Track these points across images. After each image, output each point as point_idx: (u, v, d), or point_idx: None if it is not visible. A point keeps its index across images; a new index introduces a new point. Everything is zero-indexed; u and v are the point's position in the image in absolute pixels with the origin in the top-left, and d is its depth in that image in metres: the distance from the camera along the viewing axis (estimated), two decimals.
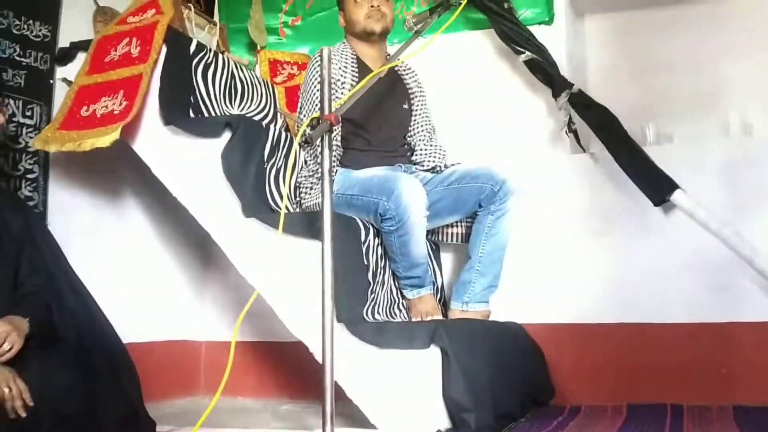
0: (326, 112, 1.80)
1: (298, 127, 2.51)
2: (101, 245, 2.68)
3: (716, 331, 2.45)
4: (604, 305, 2.61)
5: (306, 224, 2.13)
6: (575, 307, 2.64)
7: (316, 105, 2.28)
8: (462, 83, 3.01)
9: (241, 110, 2.74)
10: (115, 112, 2.30)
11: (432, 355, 1.96)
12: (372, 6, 2.53)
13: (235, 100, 2.73)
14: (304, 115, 2.46)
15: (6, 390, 1.56)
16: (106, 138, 2.23)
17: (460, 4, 2.39)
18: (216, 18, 3.54)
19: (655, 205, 2.52)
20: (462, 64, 3.03)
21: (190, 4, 3.04)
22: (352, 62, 2.53)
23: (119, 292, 2.58)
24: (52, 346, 1.76)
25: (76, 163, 2.60)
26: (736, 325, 2.42)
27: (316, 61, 2.42)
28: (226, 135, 2.30)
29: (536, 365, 2.56)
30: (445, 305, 2.68)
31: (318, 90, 2.31)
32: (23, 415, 1.56)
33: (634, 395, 2.45)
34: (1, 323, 1.65)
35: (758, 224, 2.45)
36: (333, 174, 2.37)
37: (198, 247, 3.10)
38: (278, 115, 2.99)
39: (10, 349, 1.64)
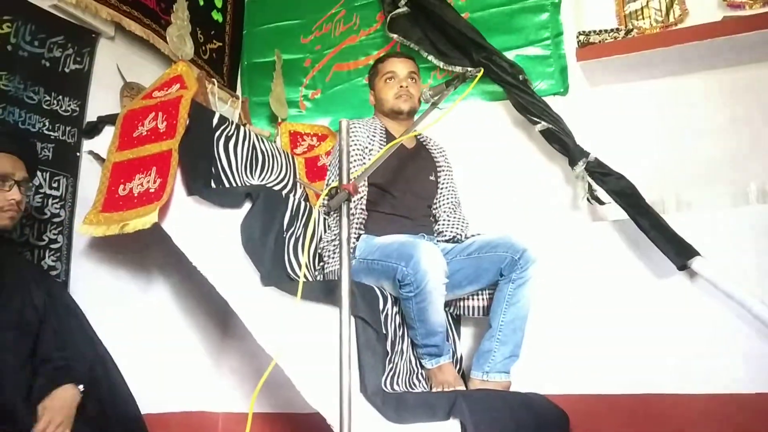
0: (344, 181, 1.84)
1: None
2: (122, 314, 2.70)
3: (747, 402, 2.37)
4: (629, 375, 2.55)
5: (325, 292, 2.13)
6: (599, 378, 2.58)
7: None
8: (479, 152, 3.05)
9: (262, 180, 2.79)
10: (151, 191, 2.35)
11: (452, 428, 1.91)
12: (401, 86, 2.63)
13: (255, 170, 2.78)
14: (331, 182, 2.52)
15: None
16: (145, 219, 2.28)
17: (476, 76, 2.45)
18: (239, 92, 3.64)
19: (679, 269, 2.48)
20: (479, 133, 3.08)
21: (214, 79, 3.14)
22: (381, 133, 2.61)
23: (138, 361, 2.57)
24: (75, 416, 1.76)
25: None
26: (764, 396, 2.35)
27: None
28: (247, 205, 2.34)
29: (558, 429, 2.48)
30: (463, 377, 2.64)
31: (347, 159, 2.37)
32: None
33: None
34: (58, 414, 1.65)
35: None
36: (353, 241, 2.42)
37: (217, 316, 3.09)
38: (298, 185, 3.03)
39: None
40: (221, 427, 3.10)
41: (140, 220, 2.29)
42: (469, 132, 3.07)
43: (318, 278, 2.54)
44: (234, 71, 3.70)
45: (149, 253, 2.87)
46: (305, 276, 2.40)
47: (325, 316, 2.08)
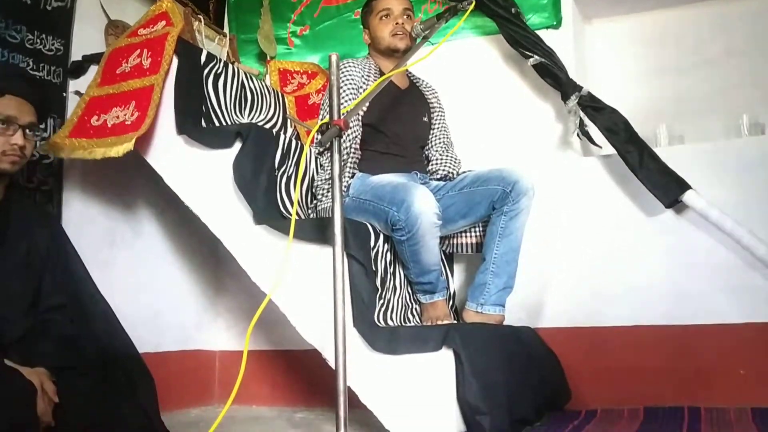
0: (335, 117, 1.82)
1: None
2: (115, 256, 2.70)
3: (733, 332, 2.43)
4: (618, 308, 2.59)
5: (317, 230, 2.13)
6: (589, 311, 2.63)
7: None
8: (471, 89, 3.02)
9: (251, 119, 2.76)
10: (126, 123, 2.32)
11: (445, 358, 1.95)
12: (397, 23, 2.59)
13: (245, 109, 2.75)
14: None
15: (39, 386, 1.60)
16: (118, 148, 2.25)
17: (467, 9, 2.40)
18: (226, 29, 3.57)
19: (666, 206, 2.51)
20: (470, 69, 3.05)
21: (200, 16, 3.07)
22: (375, 73, 2.58)
23: (133, 302, 2.60)
24: (73, 360, 1.78)
25: (89, 175, 2.62)
26: (752, 326, 2.40)
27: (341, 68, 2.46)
28: (237, 145, 2.32)
29: (551, 369, 2.54)
30: (456, 312, 2.68)
31: (342, 93, 2.35)
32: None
33: (651, 398, 2.43)
34: (46, 382, 1.66)
35: None
36: (347, 178, 2.42)
37: (210, 256, 3.11)
38: (288, 123, 3.01)
39: None
40: (218, 364, 3.17)
41: (112, 149, 2.26)
42: (461, 67, 3.04)
43: (311, 216, 2.55)
44: (220, 8, 3.61)
45: (142, 195, 2.87)
46: (297, 214, 2.40)
47: (318, 253, 2.10)
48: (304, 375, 2.93)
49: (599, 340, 2.60)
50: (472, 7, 2.37)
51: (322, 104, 2.57)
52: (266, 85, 2.99)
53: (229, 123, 2.61)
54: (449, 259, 2.79)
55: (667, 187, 2.49)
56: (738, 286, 2.45)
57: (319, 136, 1.83)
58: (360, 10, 2.82)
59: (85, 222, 2.61)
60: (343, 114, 1.88)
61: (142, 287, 2.80)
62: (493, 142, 2.92)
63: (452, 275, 2.81)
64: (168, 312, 2.93)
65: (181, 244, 3.03)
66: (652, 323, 2.54)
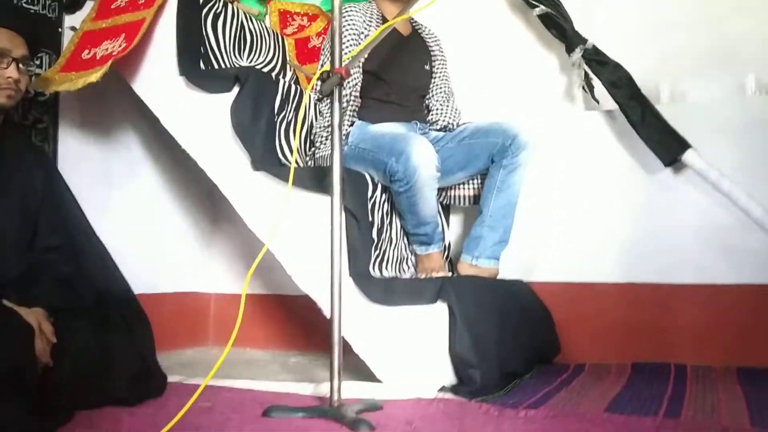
0: (337, 65, 1.79)
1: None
2: (111, 196, 2.70)
3: (723, 292, 2.45)
4: (613, 265, 2.61)
5: (315, 178, 2.12)
6: (584, 267, 2.64)
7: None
8: (474, 38, 2.97)
9: (250, 62, 2.72)
10: (114, 53, 2.28)
11: (438, 311, 1.97)
12: None
13: (244, 51, 2.70)
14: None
15: (37, 327, 1.61)
16: (97, 74, 2.20)
17: None
18: None
19: (665, 165, 2.50)
20: (474, 18, 2.99)
21: None
22: (377, 19, 2.52)
23: (128, 242, 2.60)
24: (70, 301, 1.78)
25: (86, 114, 2.59)
26: (743, 287, 2.42)
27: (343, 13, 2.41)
28: (236, 89, 2.29)
29: (542, 323, 2.57)
30: (451, 263, 2.69)
31: (344, 40, 2.30)
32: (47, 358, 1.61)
33: (639, 355, 2.46)
34: (44, 322, 1.66)
35: None
36: (346, 126, 2.40)
37: (207, 199, 3.11)
38: (287, 67, 2.96)
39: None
40: (213, 306, 3.20)
41: (91, 75, 2.22)
42: (464, 15, 2.98)
43: (309, 164, 2.53)
44: None
45: (139, 135, 2.84)
46: (296, 162, 2.38)
47: (316, 202, 2.09)
48: (298, 320, 2.96)
49: (591, 296, 2.62)
50: None
51: (323, 49, 2.53)
52: (266, 27, 2.93)
53: (228, 66, 2.56)
54: (446, 210, 2.79)
55: (667, 146, 2.47)
56: (731, 247, 2.46)
57: (320, 84, 1.80)
58: None
59: (82, 161, 2.59)
60: (344, 62, 1.85)
61: (138, 228, 2.80)
62: (495, 92, 2.88)
63: (448, 226, 2.82)
64: (164, 253, 2.95)
65: (178, 186, 3.02)
66: (644, 281, 2.55)
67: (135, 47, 2.25)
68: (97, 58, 2.31)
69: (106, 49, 2.32)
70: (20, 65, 1.85)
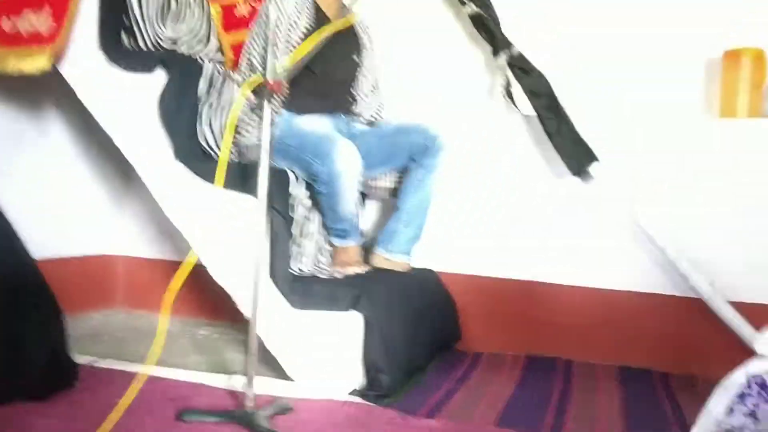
0: (269, 76, 1.78)
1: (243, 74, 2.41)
2: (19, 157, 2.60)
3: (613, 298, 2.64)
4: (516, 262, 2.75)
5: (238, 177, 2.13)
6: (489, 261, 2.78)
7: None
8: (402, 32, 2.93)
9: (175, 33, 2.62)
10: (43, 34, 2.16)
11: (353, 318, 2.06)
12: None
13: (167, 19, 2.60)
14: (249, 57, 2.40)
15: None
16: (33, 63, 2.12)
17: None
18: None
19: (573, 174, 2.62)
20: (404, 11, 2.95)
21: None
22: (309, 6, 2.47)
23: (36, 205, 2.54)
24: None
25: None
26: (631, 293, 2.61)
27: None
28: (158, 71, 2.23)
29: (446, 311, 2.71)
30: (365, 249, 2.77)
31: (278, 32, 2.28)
32: None
33: (532, 347, 2.66)
34: None
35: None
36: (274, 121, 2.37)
37: (119, 162, 3.01)
38: (211, 34, 2.87)
39: None
40: (122, 269, 3.17)
41: (26, 62, 2.15)
42: (395, 7, 2.93)
43: (232, 151, 2.50)
44: None
45: (49, 96, 2.72)
46: (216, 150, 2.36)
47: (237, 201, 2.11)
48: (207, 289, 2.96)
49: (494, 290, 2.76)
50: None
51: (251, 33, 2.46)
52: None
53: (151, 36, 2.47)
54: (362, 196, 2.84)
55: (577, 157, 2.59)
56: (624, 255, 2.63)
57: (252, 96, 1.80)
58: None
59: None
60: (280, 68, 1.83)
61: (46, 188, 2.73)
62: (421, 86, 2.89)
63: (364, 207, 2.86)
64: (73, 215, 2.89)
65: (89, 149, 2.93)
66: (544, 280, 2.72)
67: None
68: (24, 35, 2.18)
69: (32, 25, 2.18)
70: None
